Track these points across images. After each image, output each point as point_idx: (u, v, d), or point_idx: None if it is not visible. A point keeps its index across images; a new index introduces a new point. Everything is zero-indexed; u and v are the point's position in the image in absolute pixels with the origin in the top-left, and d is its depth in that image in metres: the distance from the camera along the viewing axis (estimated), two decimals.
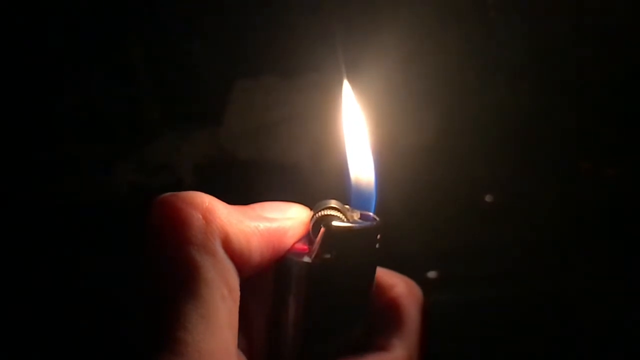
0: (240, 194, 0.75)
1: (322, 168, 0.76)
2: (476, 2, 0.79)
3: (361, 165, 0.39)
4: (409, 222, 0.75)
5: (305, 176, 0.78)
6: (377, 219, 0.37)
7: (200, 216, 0.34)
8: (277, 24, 0.78)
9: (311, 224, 0.37)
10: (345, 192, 0.40)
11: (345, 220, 0.37)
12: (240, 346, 0.35)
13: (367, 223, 0.37)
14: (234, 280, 0.34)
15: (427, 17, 0.76)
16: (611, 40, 0.79)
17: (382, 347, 0.40)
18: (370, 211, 0.38)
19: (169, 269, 0.33)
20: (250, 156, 0.80)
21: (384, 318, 0.41)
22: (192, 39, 0.81)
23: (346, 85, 0.41)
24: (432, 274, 0.78)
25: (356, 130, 0.40)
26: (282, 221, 0.36)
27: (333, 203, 0.37)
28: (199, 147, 0.81)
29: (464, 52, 0.79)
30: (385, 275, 0.41)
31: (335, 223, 0.36)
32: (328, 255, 0.36)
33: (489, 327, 0.74)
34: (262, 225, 0.36)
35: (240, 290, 0.35)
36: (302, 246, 0.37)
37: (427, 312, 0.42)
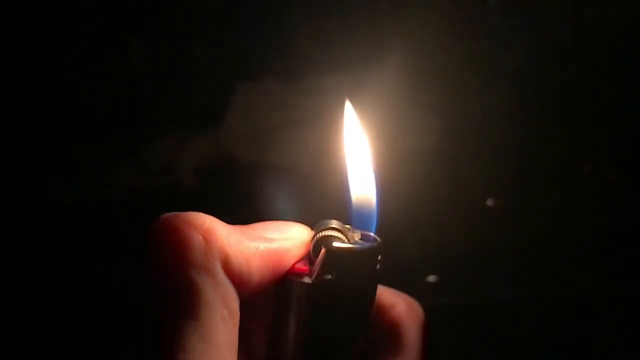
0: (241, 196, 0.76)
1: (323, 171, 0.75)
2: (476, 5, 0.78)
3: (362, 185, 0.39)
4: (409, 225, 0.75)
5: (306, 179, 0.78)
6: (378, 239, 0.37)
7: (201, 237, 0.34)
8: (278, 27, 0.78)
9: (312, 245, 0.37)
10: (346, 209, 0.40)
11: (346, 241, 0.37)
12: None
13: (368, 244, 0.37)
14: (234, 302, 0.34)
15: (428, 21, 0.76)
16: (612, 42, 0.78)
17: None
18: (371, 231, 0.38)
19: (168, 290, 0.33)
20: (251, 159, 0.80)
21: (384, 338, 0.41)
22: (193, 41, 0.81)
23: (348, 105, 0.40)
24: (432, 278, 0.79)
25: (358, 150, 0.39)
26: (282, 241, 0.36)
27: (334, 223, 0.37)
28: (199, 150, 0.81)
29: (464, 55, 0.79)
30: (386, 294, 0.41)
31: (336, 244, 0.36)
32: (328, 276, 0.35)
33: (489, 331, 0.74)
34: (263, 245, 0.36)
35: (240, 310, 0.35)
36: (302, 266, 0.37)
37: (428, 331, 0.42)
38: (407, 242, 0.75)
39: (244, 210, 0.71)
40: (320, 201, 0.59)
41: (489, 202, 0.80)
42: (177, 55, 0.82)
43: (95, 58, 0.81)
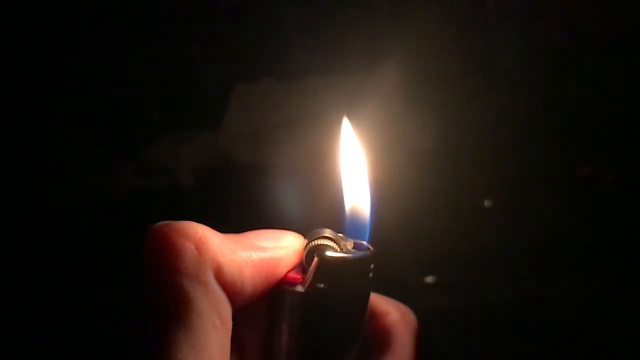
0: (239, 197, 0.76)
1: (320, 172, 0.75)
2: (475, 7, 0.78)
3: (356, 195, 0.39)
4: (408, 226, 0.75)
5: (304, 180, 0.78)
6: (371, 248, 0.37)
7: (193, 247, 0.34)
8: (276, 28, 0.78)
9: (305, 253, 0.37)
10: (340, 217, 0.40)
11: (338, 249, 0.37)
12: None
13: (361, 253, 0.37)
14: (226, 311, 0.34)
15: (426, 23, 0.76)
16: (610, 45, 0.78)
17: None
18: (364, 240, 0.38)
19: (160, 299, 0.33)
20: (249, 160, 0.80)
21: (376, 345, 0.41)
22: (192, 42, 0.81)
23: (345, 119, 0.40)
24: (430, 279, 0.79)
25: (353, 161, 0.39)
26: (275, 250, 0.36)
27: (327, 232, 0.37)
28: (198, 151, 0.81)
29: (463, 57, 0.78)
30: (379, 302, 0.41)
31: (328, 253, 0.36)
32: (321, 285, 0.35)
33: (489, 331, 0.75)
34: (255, 254, 0.35)
35: (233, 319, 0.35)
36: (295, 275, 0.37)
37: (421, 338, 0.42)
38: (406, 243, 0.75)
39: (241, 212, 0.71)
40: (318, 202, 0.59)
41: (487, 203, 0.80)
42: (176, 55, 0.82)
43: (95, 60, 0.81)
